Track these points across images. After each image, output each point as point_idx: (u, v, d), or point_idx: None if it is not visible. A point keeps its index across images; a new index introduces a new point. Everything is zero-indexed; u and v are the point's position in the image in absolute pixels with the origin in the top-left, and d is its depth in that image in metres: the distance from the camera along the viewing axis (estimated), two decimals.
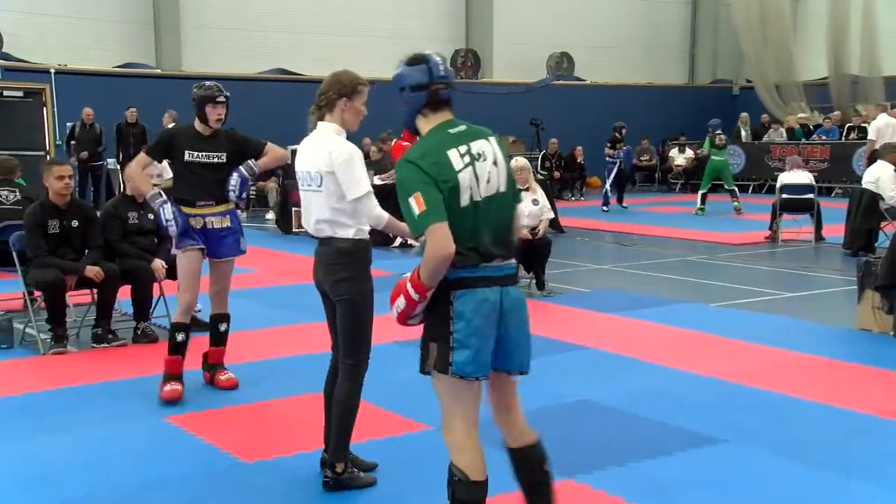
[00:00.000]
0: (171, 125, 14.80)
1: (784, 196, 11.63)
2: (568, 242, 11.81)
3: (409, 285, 2.81)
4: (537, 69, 21.54)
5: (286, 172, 13.22)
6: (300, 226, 13.52)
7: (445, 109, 2.96)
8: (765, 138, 20.08)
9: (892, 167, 10.29)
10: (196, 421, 4.70)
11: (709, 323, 6.95)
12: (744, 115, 20.34)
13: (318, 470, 3.87)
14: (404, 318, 2.89)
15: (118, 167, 15.21)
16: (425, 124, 2.96)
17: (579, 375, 5.56)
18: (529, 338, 2.98)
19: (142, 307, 6.49)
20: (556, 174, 18.33)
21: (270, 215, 14.63)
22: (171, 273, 6.50)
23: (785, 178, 11.75)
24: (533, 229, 8.17)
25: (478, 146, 2.90)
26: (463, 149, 2.86)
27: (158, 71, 17.86)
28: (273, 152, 5.16)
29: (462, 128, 2.94)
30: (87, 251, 6.35)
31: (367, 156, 15.21)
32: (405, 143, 12.74)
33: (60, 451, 4.31)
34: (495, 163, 2.91)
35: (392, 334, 6.71)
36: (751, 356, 5.99)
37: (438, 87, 2.92)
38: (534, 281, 8.32)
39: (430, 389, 5.24)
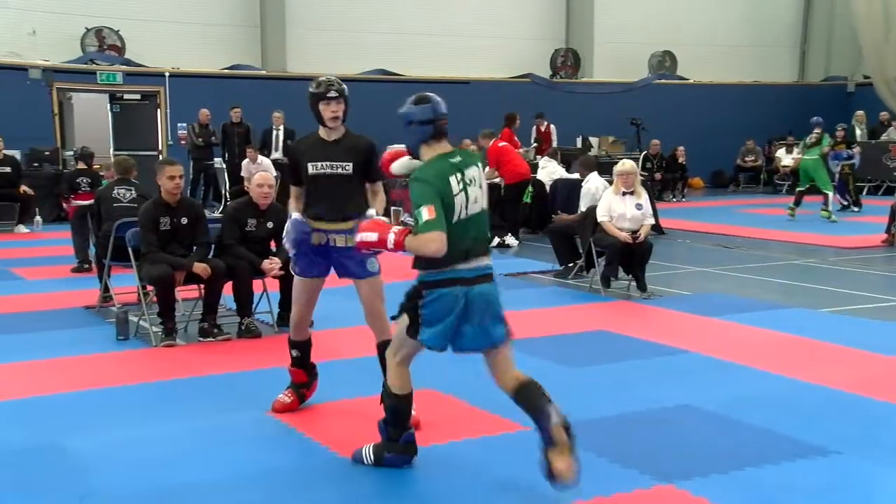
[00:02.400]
0: (281, 127, 15.28)
1: None
2: (669, 244, 11.56)
3: (391, 238, 3.60)
4: (639, 68, 21.15)
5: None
6: (399, 223, 13.72)
7: (444, 140, 3.73)
8: (883, 137, 19.14)
9: None
10: (296, 415, 4.81)
11: (817, 329, 6.68)
12: (859, 112, 19.42)
13: (414, 464, 3.90)
14: (363, 249, 3.78)
15: (224, 167, 15.73)
16: (429, 152, 3.71)
17: (680, 380, 5.43)
18: (493, 325, 3.69)
19: (242, 303, 6.67)
20: (658, 175, 17.98)
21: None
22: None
23: None
24: (634, 233, 8.01)
25: (470, 173, 3.66)
26: (459, 176, 3.62)
27: (264, 72, 18.38)
28: (381, 196, 4.81)
29: (458, 158, 3.66)
30: (194, 248, 6.59)
31: None
32: (502, 144, 12.78)
33: (170, 439, 4.48)
34: (480, 186, 3.70)
35: None
36: (864, 364, 5.73)
37: (441, 121, 3.68)
38: (634, 283, 8.18)
39: None
